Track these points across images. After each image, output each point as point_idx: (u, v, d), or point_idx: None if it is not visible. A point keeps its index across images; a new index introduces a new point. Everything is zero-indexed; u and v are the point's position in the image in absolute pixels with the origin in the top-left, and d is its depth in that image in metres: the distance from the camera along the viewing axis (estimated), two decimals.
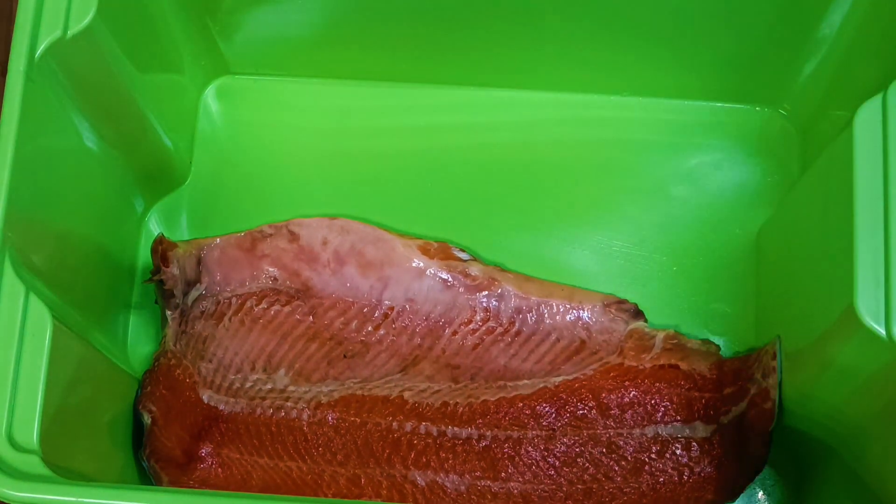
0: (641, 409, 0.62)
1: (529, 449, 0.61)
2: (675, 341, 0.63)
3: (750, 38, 0.64)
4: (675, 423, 0.61)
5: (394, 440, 0.61)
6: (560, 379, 0.62)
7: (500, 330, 0.63)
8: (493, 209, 0.68)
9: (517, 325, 0.63)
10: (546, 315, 0.63)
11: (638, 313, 0.64)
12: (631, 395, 0.62)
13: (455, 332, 0.63)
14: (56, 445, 0.50)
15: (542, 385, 0.62)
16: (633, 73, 0.68)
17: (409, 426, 0.62)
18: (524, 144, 0.69)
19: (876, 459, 0.55)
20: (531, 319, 0.63)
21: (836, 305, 0.51)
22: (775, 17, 0.62)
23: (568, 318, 0.63)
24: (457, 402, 0.62)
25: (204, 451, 0.62)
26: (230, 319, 0.64)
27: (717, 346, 0.63)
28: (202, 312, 0.64)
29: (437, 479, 0.61)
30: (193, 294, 0.64)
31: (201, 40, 0.67)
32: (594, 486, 0.61)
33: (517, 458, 0.61)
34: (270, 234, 0.65)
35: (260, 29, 0.67)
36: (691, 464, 0.61)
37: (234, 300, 0.64)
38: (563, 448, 0.61)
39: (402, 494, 0.61)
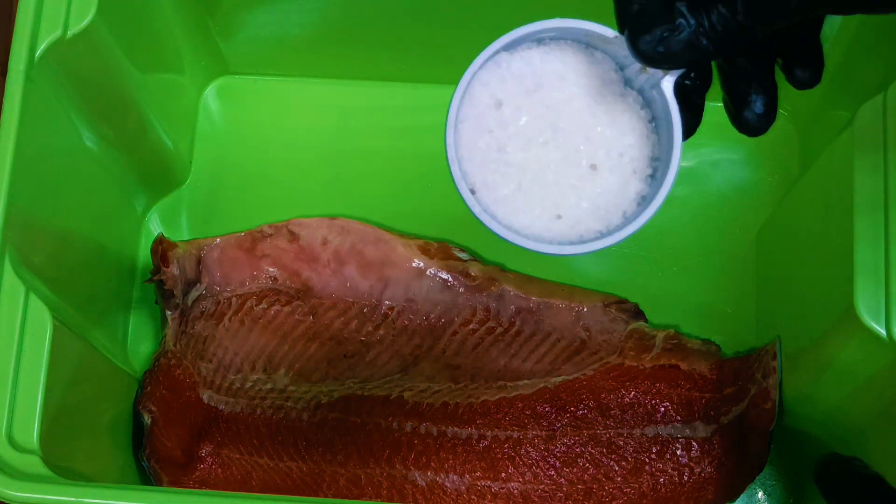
0: (641, 409, 0.61)
1: (529, 449, 0.61)
2: (675, 341, 0.63)
3: None
4: (675, 424, 0.61)
5: (394, 440, 0.61)
6: (560, 379, 0.62)
7: (500, 330, 0.63)
8: None
9: (517, 325, 0.63)
10: (546, 315, 0.63)
11: (638, 313, 0.63)
12: (631, 395, 0.62)
13: (455, 333, 0.63)
14: (56, 445, 0.50)
15: (542, 385, 0.62)
16: None
17: (409, 426, 0.62)
18: None
19: (876, 459, 0.55)
20: (531, 319, 0.63)
21: (836, 305, 0.51)
22: None
23: (568, 318, 0.63)
24: (457, 403, 0.62)
25: (204, 451, 0.62)
26: (230, 319, 0.64)
27: (717, 346, 0.63)
28: (202, 312, 0.64)
29: (438, 479, 0.61)
30: (193, 294, 0.64)
31: (201, 40, 0.67)
32: (594, 486, 0.61)
33: (517, 459, 0.61)
34: (270, 234, 0.65)
35: (260, 29, 0.67)
36: (691, 464, 0.61)
37: (234, 300, 0.64)
38: (563, 448, 0.61)
39: (402, 494, 0.61)
